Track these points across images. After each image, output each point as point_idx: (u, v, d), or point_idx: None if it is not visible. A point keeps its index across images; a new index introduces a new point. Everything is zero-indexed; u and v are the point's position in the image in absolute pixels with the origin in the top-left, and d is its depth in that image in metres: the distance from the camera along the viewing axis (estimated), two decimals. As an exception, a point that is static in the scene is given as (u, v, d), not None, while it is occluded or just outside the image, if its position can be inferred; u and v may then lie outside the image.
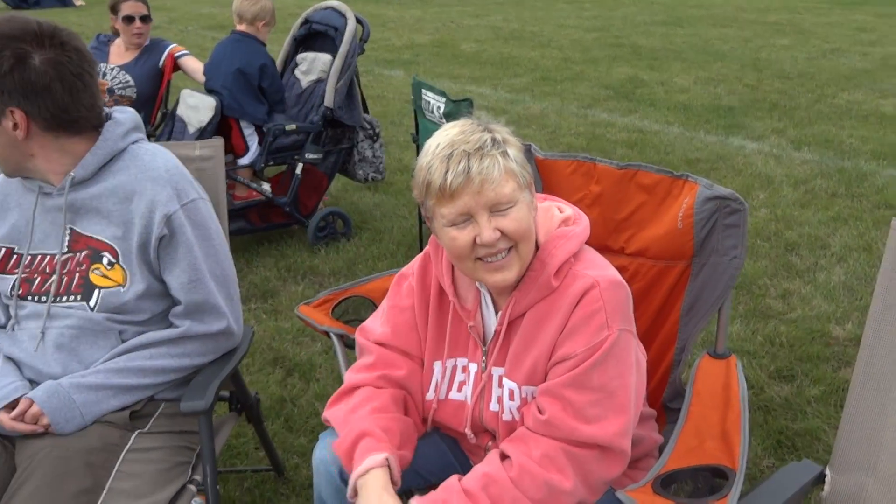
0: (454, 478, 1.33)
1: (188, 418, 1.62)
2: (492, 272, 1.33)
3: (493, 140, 1.29)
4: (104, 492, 1.41)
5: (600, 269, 1.37)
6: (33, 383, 1.57)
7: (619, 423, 1.29)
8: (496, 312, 1.44)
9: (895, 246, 1.34)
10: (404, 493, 1.55)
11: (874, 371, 1.38)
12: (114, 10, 3.86)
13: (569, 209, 1.46)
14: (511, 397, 1.39)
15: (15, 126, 1.49)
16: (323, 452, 1.48)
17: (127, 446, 1.52)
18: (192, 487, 1.60)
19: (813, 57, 8.98)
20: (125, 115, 1.65)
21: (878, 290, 1.36)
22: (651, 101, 6.96)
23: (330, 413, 1.48)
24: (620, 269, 1.43)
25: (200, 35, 10.82)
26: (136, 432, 1.56)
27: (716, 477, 1.32)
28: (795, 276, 3.60)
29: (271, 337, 3.08)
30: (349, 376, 1.53)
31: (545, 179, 1.78)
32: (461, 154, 1.25)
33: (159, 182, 1.59)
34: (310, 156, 3.78)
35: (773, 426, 2.54)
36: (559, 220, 1.41)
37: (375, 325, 1.57)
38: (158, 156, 1.64)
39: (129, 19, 3.81)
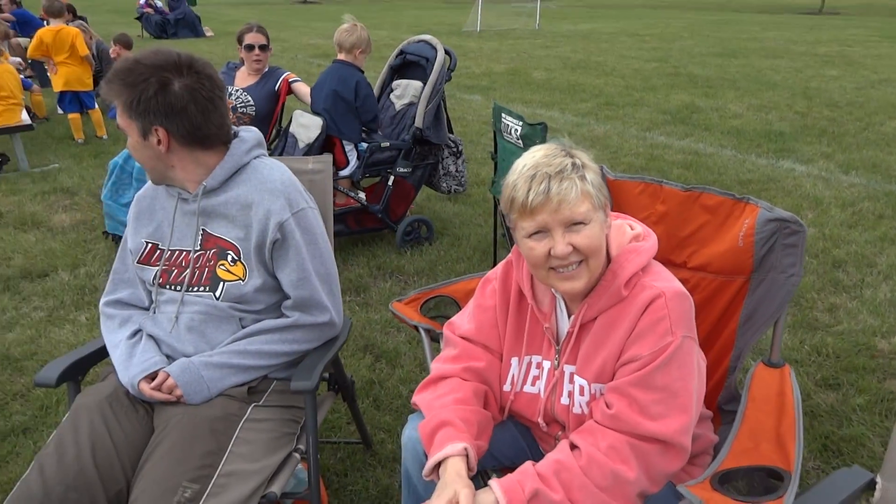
0: (528, 463, 1.32)
1: (295, 395, 1.66)
2: (562, 281, 1.32)
3: (574, 164, 1.28)
4: (226, 454, 1.46)
5: (666, 281, 1.34)
6: (169, 358, 1.64)
7: (681, 421, 1.26)
8: (569, 316, 1.43)
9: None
10: (480, 473, 1.55)
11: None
12: (239, 40, 4.02)
13: (639, 227, 1.43)
14: (581, 393, 1.37)
15: (158, 142, 1.57)
16: (412, 432, 1.48)
17: (245, 416, 1.56)
18: (297, 455, 1.65)
19: (861, 87, 8.49)
20: (250, 134, 1.71)
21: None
22: (706, 125, 6.73)
23: (418, 398, 1.49)
24: (683, 282, 1.39)
25: (307, 62, 11.13)
26: (253, 405, 1.60)
27: (770, 478, 1.26)
28: (842, 291, 3.40)
29: (363, 326, 3.12)
30: (436, 366, 1.53)
31: (615, 198, 1.74)
32: (543, 176, 1.25)
33: (274, 193, 1.63)
34: (401, 169, 3.82)
35: (819, 431, 2.40)
36: (630, 236, 1.39)
37: (462, 321, 1.57)
38: (275, 170, 1.69)
39: (249, 48, 3.95)
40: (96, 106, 6.59)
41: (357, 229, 3.92)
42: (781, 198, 4.66)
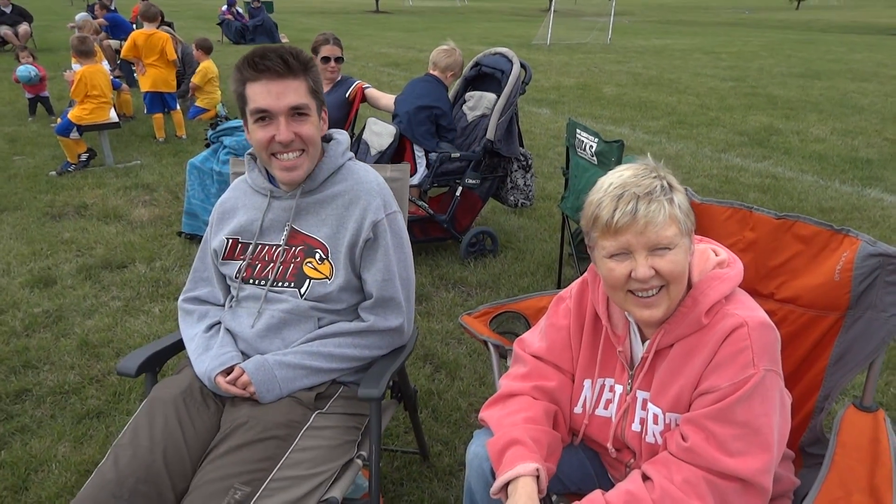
0: (598, 492, 1.28)
1: (360, 402, 1.67)
2: (640, 307, 1.28)
3: (663, 186, 1.24)
4: (282, 460, 1.47)
5: (750, 310, 1.28)
6: (244, 354, 1.67)
7: (763, 459, 1.19)
8: (643, 341, 1.38)
9: None
10: (544, 496, 1.51)
11: None
12: (315, 51, 4.09)
13: (724, 253, 1.37)
14: (655, 421, 1.32)
15: (323, 122, 1.68)
16: (478, 449, 1.46)
17: (307, 424, 1.57)
18: (359, 462, 1.65)
19: (959, 114, 7.99)
20: (343, 136, 1.76)
21: None
22: (786, 149, 6.46)
23: (486, 414, 1.47)
24: (769, 314, 1.32)
25: (378, 70, 11.33)
26: (316, 412, 1.61)
27: (864, 532, 1.18)
28: (934, 332, 3.18)
29: (423, 336, 3.12)
30: (505, 383, 1.51)
31: (699, 222, 1.67)
32: (631, 196, 1.22)
33: (372, 193, 1.68)
34: (469, 181, 3.82)
35: (905, 481, 2.24)
36: (714, 262, 1.33)
37: (533, 339, 1.54)
38: (370, 172, 1.75)
39: (326, 59, 4.02)
40: (178, 107, 6.88)
41: (422, 238, 3.94)
42: (868, 229, 4.41)
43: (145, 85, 6.61)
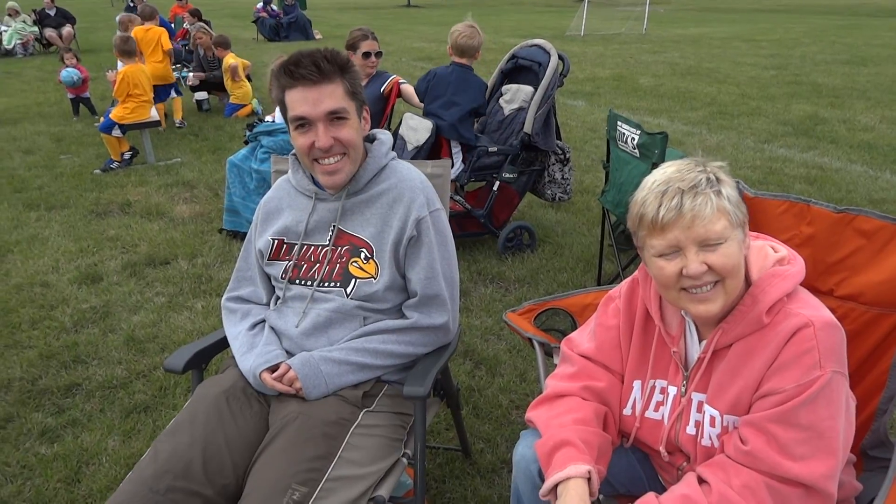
0: (651, 494, 1.24)
1: (404, 400, 1.65)
2: (695, 303, 1.24)
3: (708, 179, 1.20)
4: (335, 459, 1.47)
5: (815, 310, 1.22)
6: (289, 353, 1.68)
7: (828, 464, 1.14)
8: (699, 341, 1.34)
9: None
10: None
11: None
12: (353, 47, 4.04)
13: (783, 249, 1.32)
14: (712, 424, 1.28)
15: (365, 122, 1.68)
16: (525, 450, 1.44)
17: (356, 422, 1.57)
18: (404, 460, 1.64)
19: None
20: (386, 136, 1.75)
21: None
22: (832, 138, 6.25)
23: (534, 414, 1.44)
24: (829, 312, 1.26)
25: (411, 65, 11.32)
26: (364, 410, 1.61)
27: (936, 542, 1.12)
28: None
29: (463, 332, 3.11)
30: (553, 384, 1.48)
31: (752, 217, 1.60)
32: (675, 191, 1.18)
33: (416, 190, 1.67)
34: (507, 175, 3.79)
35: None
36: (774, 259, 1.28)
37: (582, 338, 1.51)
38: (413, 170, 1.75)
39: (366, 55, 4.02)
40: (174, 94, 7.37)
41: (459, 234, 3.91)
42: (922, 220, 4.23)
43: None
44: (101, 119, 6.04)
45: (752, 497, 1.16)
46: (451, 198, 3.81)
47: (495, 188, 3.80)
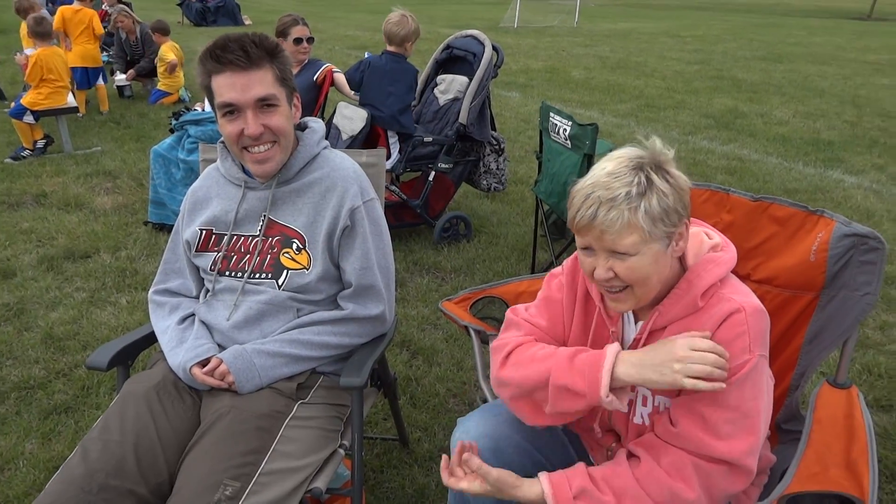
0: (581, 464, 1.31)
1: (341, 391, 1.65)
2: (609, 298, 1.30)
3: (628, 194, 1.17)
4: (269, 452, 1.45)
5: (745, 296, 1.28)
6: (221, 347, 1.63)
7: (749, 442, 1.21)
8: (636, 322, 1.38)
9: None
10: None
11: None
12: (283, 34, 3.91)
13: (717, 236, 1.37)
14: (644, 403, 1.33)
15: (296, 109, 1.63)
16: (462, 436, 1.45)
17: (290, 414, 1.55)
18: (341, 451, 1.63)
19: (915, 97, 8.23)
20: (318, 124, 1.72)
21: None
22: (750, 131, 6.58)
23: (505, 374, 1.37)
24: (746, 295, 1.33)
25: (345, 53, 11.16)
26: (299, 402, 1.59)
27: (841, 505, 1.21)
28: (895, 309, 3.29)
29: (399, 322, 3.10)
30: (503, 342, 1.43)
31: (677, 205, 1.69)
32: (594, 200, 1.19)
33: (349, 180, 1.65)
34: (442, 165, 3.80)
35: (870, 453, 2.32)
36: (708, 245, 1.32)
37: (529, 310, 1.50)
38: (346, 159, 1.73)
39: (298, 41, 3.92)
40: (101, 81, 7.02)
41: (395, 224, 3.91)
42: (830, 209, 4.51)
43: (73, 60, 6.53)
44: (12, 104, 5.67)
45: (678, 474, 1.22)
46: (387, 188, 3.79)
47: (431, 178, 3.81)
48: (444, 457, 1.36)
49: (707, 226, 1.39)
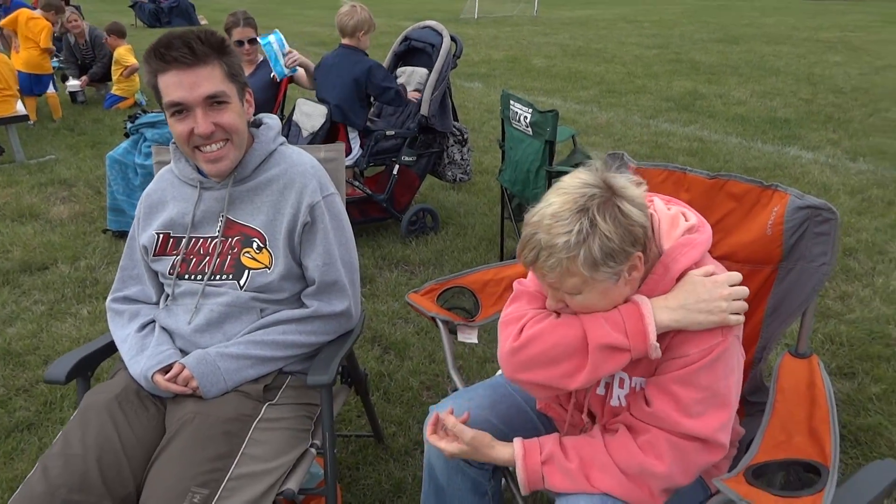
0: (554, 434, 1.34)
1: (310, 390, 1.63)
2: None
3: (577, 238, 1.13)
4: (238, 456, 1.42)
5: None
6: (183, 352, 1.60)
7: (720, 418, 1.23)
8: None
9: None
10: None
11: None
12: (228, 33, 3.84)
13: (694, 217, 1.35)
14: (621, 385, 1.34)
15: (248, 105, 1.60)
16: (434, 426, 1.45)
17: (258, 417, 1.52)
18: (313, 451, 1.62)
19: (865, 73, 8.45)
20: (273, 120, 1.69)
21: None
22: (710, 112, 6.68)
23: (523, 345, 1.27)
24: (707, 272, 1.34)
25: (303, 50, 10.97)
26: (266, 404, 1.56)
27: (807, 471, 1.24)
28: (854, 279, 3.38)
29: (369, 318, 3.09)
30: (514, 313, 1.34)
31: (637, 186, 1.70)
32: (536, 243, 1.17)
33: (307, 175, 1.63)
34: (405, 158, 3.78)
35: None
36: (684, 227, 1.31)
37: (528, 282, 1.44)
38: (304, 155, 1.70)
39: (239, 43, 3.82)
40: (51, 90, 6.76)
41: (361, 219, 3.88)
42: (788, 185, 4.60)
43: (18, 63, 6.35)
44: (-42, 115, 5.48)
45: (653, 451, 1.24)
46: (351, 184, 3.76)
47: (395, 172, 3.79)
48: (436, 414, 1.38)
49: (684, 205, 1.38)
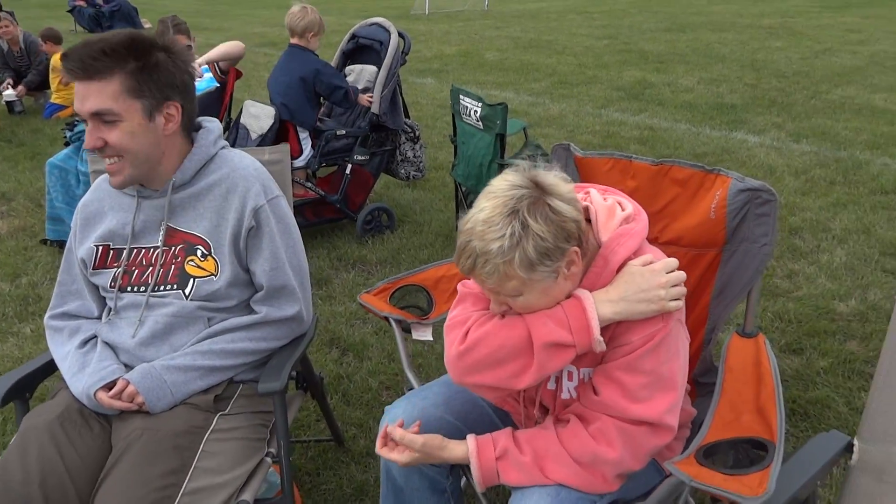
0: (509, 428, 1.35)
1: (263, 398, 1.59)
2: None
3: (510, 242, 1.13)
4: (191, 470, 1.39)
5: None
6: (127, 367, 1.55)
7: (667, 401, 1.25)
8: None
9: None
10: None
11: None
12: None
13: (630, 206, 1.36)
14: (570, 378, 1.34)
15: (167, 121, 1.50)
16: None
17: (210, 428, 1.49)
18: (268, 460, 1.59)
19: (806, 57, 8.71)
20: (213, 124, 1.65)
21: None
22: (659, 100, 6.80)
23: (468, 349, 1.27)
24: (655, 257, 1.36)
25: (254, 52, 10.82)
26: (218, 415, 1.53)
27: (755, 448, 1.26)
28: (800, 257, 3.48)
29: (327, 320, 3.05)
30: (458, 317, 1.35)
31: (584, 177, 1.72)
32: (471, 251, 1.17)
33: (249, 179, 1.59)
34: (358, 157, 3.74)
35: (786, 396, 2.45)
36: (621, 217, 1.31)
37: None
38: (245, 158, 1.66)
39: None
40: None
41: (315, 221, 3.83)
42: (736, 168, 4.72)
43: None
44: None
45: (603, 438, 1.25)
46: (304, 185, 3.71)
47: (348, 172, 3.75)
48: (385, 427, 1.36)
49: (620, 194, 1.39)
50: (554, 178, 1.20)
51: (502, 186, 1.18)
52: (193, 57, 3.74)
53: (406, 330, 1.76)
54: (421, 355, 2.72)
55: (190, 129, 1.59)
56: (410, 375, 1.68)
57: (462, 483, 1.61)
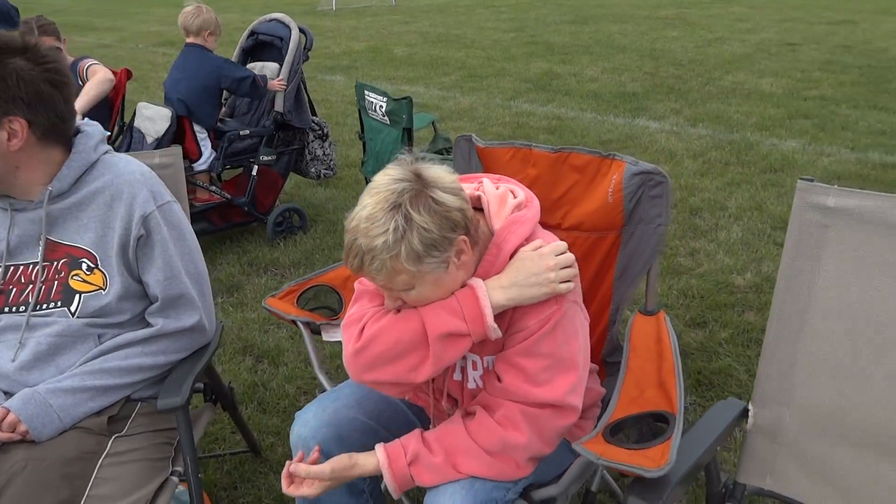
0: (417, 430, 1.34)
1: (166, 415, 1.51)
2: None
3: (394, 236, 1.12)
4: (83, 500, 1.30)
5: None
6: (7, 395, 1.43)
7: (568, 382, 1.27)
8: None
9: (801, 205, 1.34)
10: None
11: (786, 315, 1.39)
12: None
13: (521, 193, 1.38)
14: (474, 367, 1.35)
15: (10, 137, 1.37)
16: (301, 430, 1.41)
17: (104, 452, 1.40)
18: (175, 479, 1.51)
19: (700, 45, 9.19)
20: (93, 128, 1.54)
21: (789, 242, 1.36)
22: (566, 91, 6.99)
23: (365, 345, 1.26)
24: (558, 243, 1.38)
25: (151, 52, 10.32)
26: (114, 437, 1.44)
27: (658, 421, 1.31)
28: (700, 235, 3.66)
29: (239, 327, 2.95)
30: (354, 315, 1.33)
31: (487, 167, 1.73)
32: (358, 249, 1.15)
33: (136, 185, 1.49)
34: (264, 157, 3.63)
35: (692, 368, 2.58)
36: (513, 205, 1.33)
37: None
38: (132, 162, 1.56)
39: None
40: None
41: (224, 225, 3.69)
42: (640, 153, 4.94)
43: None
44: None
45: (509, 423, 1.26)
46: (208, 189, 3.57)
47: (254, 173, 3.63)
48: (287, 464, 1.31)
49: (513, 182, 1.40)
50: (438, 169, 1.20)
51: (384, 181, 1.17)
52: (63, 58, 3.50)
53: (316, 332, 1.72)
54: (338, 357, 2.67)
55: (59, 137, 1.46)
56: (322, 378, 1.64)
57: (382, 486, 1.59)
